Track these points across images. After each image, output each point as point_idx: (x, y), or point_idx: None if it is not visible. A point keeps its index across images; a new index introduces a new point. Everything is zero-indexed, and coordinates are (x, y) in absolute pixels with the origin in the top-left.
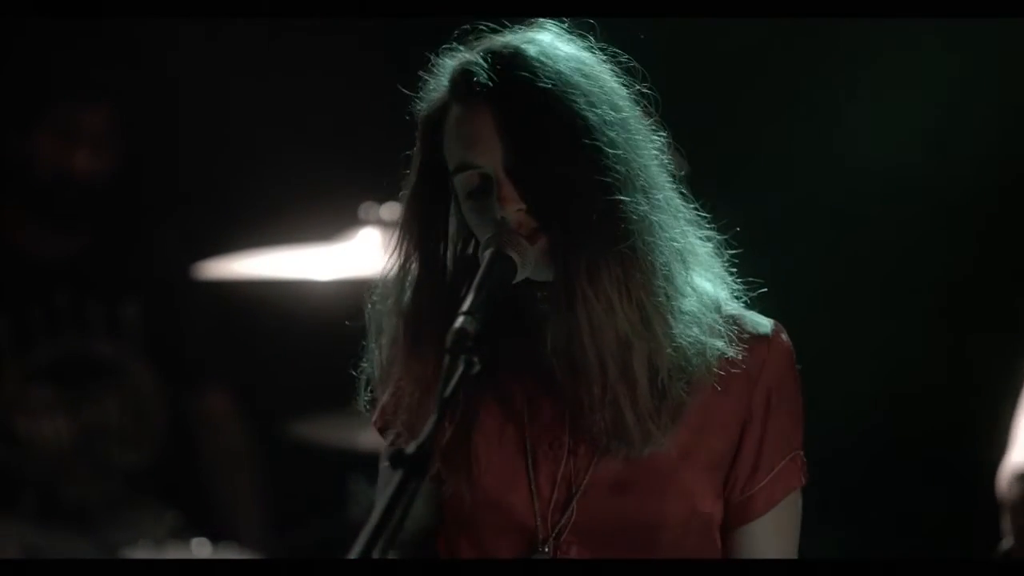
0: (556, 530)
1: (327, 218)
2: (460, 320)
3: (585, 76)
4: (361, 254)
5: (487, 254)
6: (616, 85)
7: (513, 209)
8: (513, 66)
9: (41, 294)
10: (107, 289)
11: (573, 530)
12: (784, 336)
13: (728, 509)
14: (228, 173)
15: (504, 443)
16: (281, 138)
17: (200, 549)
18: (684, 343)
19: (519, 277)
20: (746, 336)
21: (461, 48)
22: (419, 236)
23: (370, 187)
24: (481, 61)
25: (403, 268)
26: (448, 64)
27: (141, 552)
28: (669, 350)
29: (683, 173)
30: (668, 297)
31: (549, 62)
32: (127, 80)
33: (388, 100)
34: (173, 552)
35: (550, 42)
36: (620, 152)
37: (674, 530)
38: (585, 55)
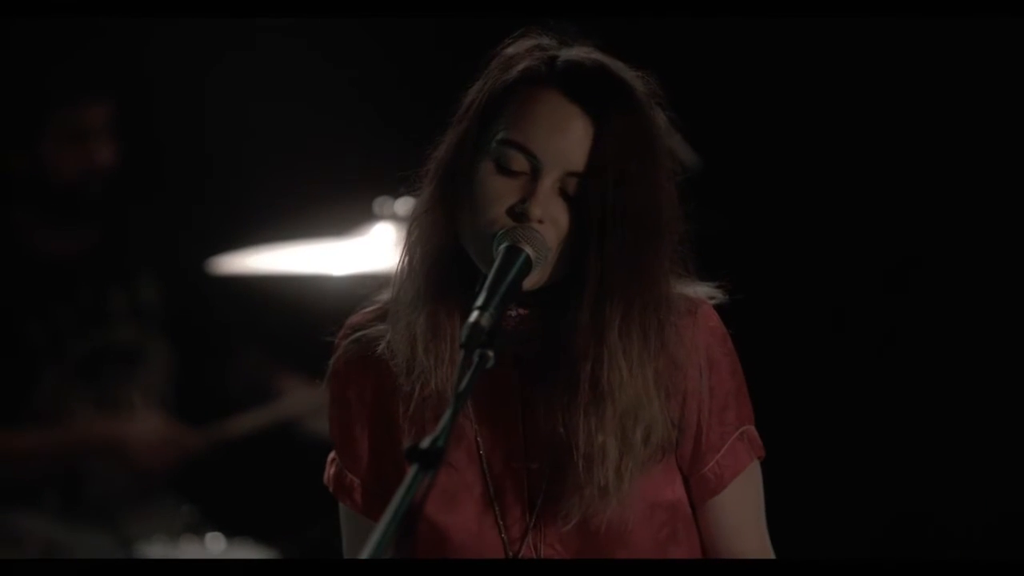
0: (532, 544)
1: (341, 213)
2: (474, 315)
3: (664, 141)
4: (375, 249)
5: (502, 248)
6: (667, 138)
7: (538, 216)
8: (628, 98)
9: (65, 292)
10: (126, 277)
11: (548, 543)
12: (710, 312)
13: (688, 487)
14: (242, 168)
15: (459, 463)
16: (295, 133)
17: (215, 544)
18: (668, 422)
19: (534, 272)
20: (676, 317)
21: (545, 36)
22: (447, 191)
23: (384, 182)
24: (595, 71)
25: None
26: (536, 45)
27: (156, 546)
28: (659, 426)
29: (693, 167)
30: (668, 374)
31: (651, 114)
32: (138, 75)
33: (402, 95)
34: (188, 546)
35: (643, 86)
36: (671, 219)
37: (641, 529)
38: (656, 106)
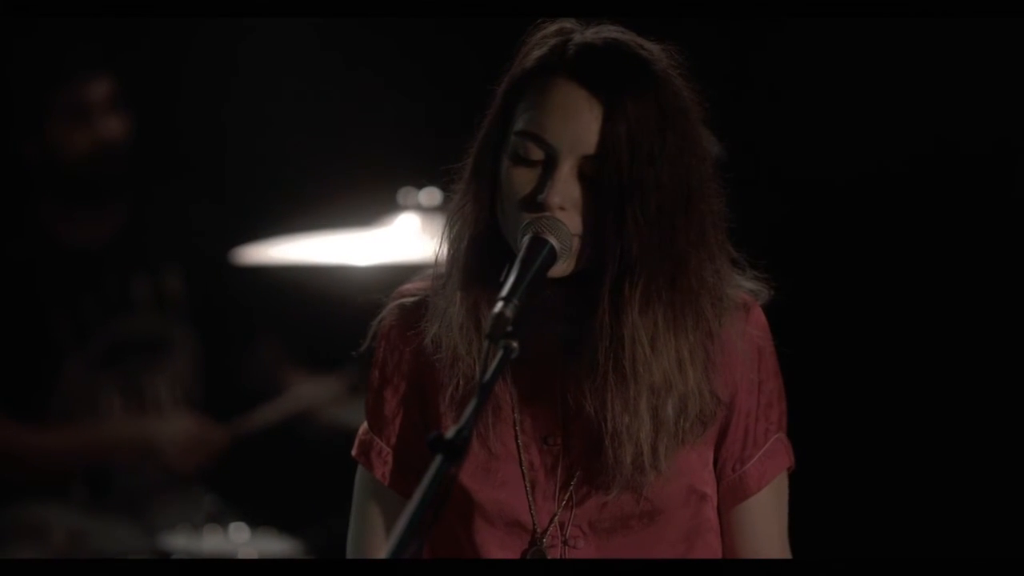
0: (561, 524)
1: (365, 203)
2: (499, 305)
3: (688, 115)
4: (400, 239)
5: (526, 239)
6: (697, 112)
7: (557, 204)
8: (640, 75)
9: (89, 281)
10: (150, 266)
11: (576, 523)
12: (760, 312)
13: (722, 488)
14: (267, 159)
15: (494, 440)
16: (320, 123)
17: (238, 534)
18: (707, 394)
19: (559, 263)
20: (727, 311)
21: (570, 21)
22: (480, 181)
23: (409, 172)
24: (606, 51)
25: (463, 211)
26: (557, 30)
27: (179, 537)
28: (696, 399)
29: (721, 160)
30: (705, 348)
31: (670, 88)
32: (156, 60)
33: (428, 86)
34: (211, 536)
35: (664, 61)
36: (696, 193)
37: (675, 511)
38: (680, 80)
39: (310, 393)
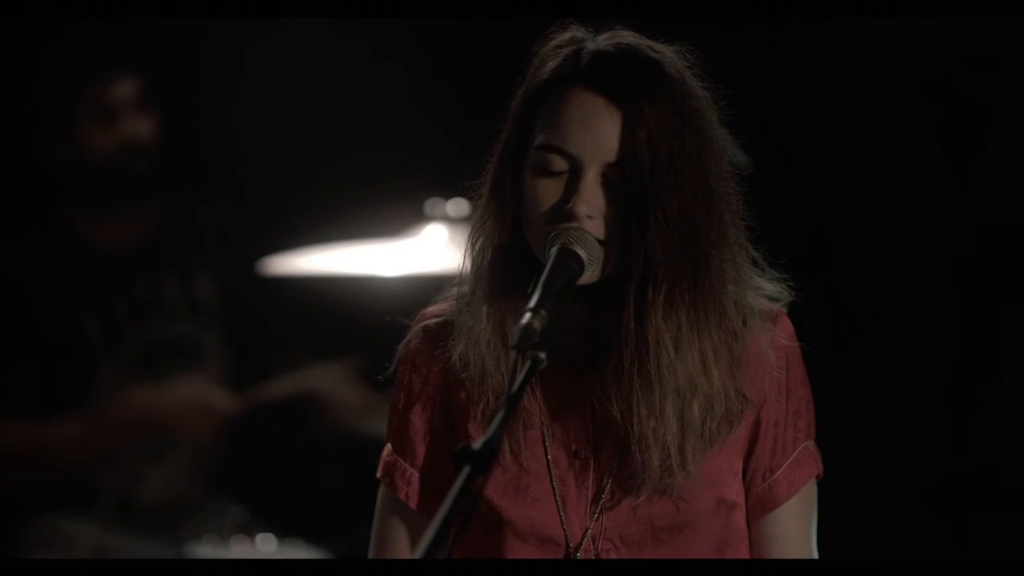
0: (592, 537)
1: (393, 214)
2: (527, 316)
3: (704, 115)
4: (427, 250)
5: (554, 251)
6: (712, 111)
7: (585, 213)
8: (655, 79)
9: (120, 286)
10: (181, 271)
11: (607, 536)
12: (788, 323)
13: (751, 498)
14: (294, 169)
15: (524, 452)
16: (347, 133)
17: (265, 544)
18: (733, 392)
19: (586, 274)
20: (755, 319)
21: (580, 28)
22: (501, 196)
23: (436, 183)
24: (620, 57)
25: (483, 227)
26: (569, 39)
27: (206, 547)
28: (722, 398)
29: (747, 171)
30: (729, 348)
31: (684, 89)
32: (186, 71)
33: (455, 97)
34: (238, 547)
35: (677, 62)
36: (716, 192)
37: (705, 522)
38: (694, 81)
39: (321, 375)
